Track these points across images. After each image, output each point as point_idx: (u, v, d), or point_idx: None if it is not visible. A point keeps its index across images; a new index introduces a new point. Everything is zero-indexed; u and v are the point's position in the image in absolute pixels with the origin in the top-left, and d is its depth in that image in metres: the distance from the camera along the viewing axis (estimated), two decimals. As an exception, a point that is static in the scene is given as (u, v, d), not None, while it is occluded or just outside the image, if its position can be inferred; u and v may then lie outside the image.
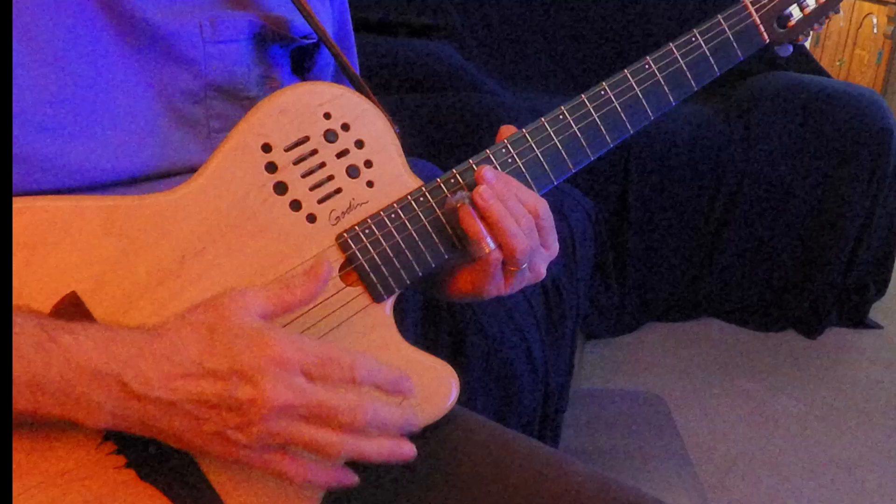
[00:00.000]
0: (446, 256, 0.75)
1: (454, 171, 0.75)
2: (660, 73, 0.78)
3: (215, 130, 0.73)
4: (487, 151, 0.76)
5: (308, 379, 0.60)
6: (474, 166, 0.74)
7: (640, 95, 0.78)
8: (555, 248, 0.76)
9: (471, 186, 0.73)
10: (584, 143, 0.77)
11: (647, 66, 0.78)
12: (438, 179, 0.74)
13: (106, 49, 0.68)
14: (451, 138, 2.17)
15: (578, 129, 0.76)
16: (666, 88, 0.79)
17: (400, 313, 1.32)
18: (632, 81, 0.78)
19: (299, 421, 0.60)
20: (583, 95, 0.77)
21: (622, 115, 0.78)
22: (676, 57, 0.78)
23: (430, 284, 0.82)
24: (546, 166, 0.77)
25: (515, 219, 0.71)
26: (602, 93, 0.77)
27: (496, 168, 0.75)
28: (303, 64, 0.83)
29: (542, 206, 0.74)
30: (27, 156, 0.64)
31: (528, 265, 0.74)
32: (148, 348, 0.59)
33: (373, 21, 2.58)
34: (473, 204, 0.72)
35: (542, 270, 0.76)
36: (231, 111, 0.73)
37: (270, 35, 0.76)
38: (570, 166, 0.78)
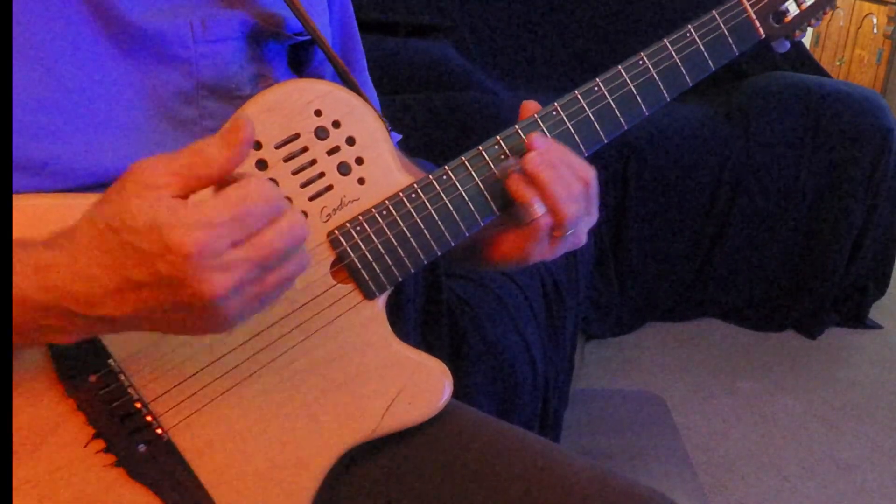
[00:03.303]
0: (438, 253, 0.74)
1: (498, 138, 0.75)
2: (654, 69, 0.77)
3: (209, 130, 0.72)
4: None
5: (235, 245, 0.54)
6: (521, 133, 0.75)
7: (635, 91, 0.77)
8: (596, 214, 0.76)
9: (516, 153, 0.74)
10: (577, 139, 0.76)
11: (640, 62, 0.77)
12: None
13: (96, 52, 0.67)
14: (451, 138, 2.16)
15: (572, 125, 0.76)
16: (660, 84, 0.78)
17: (400, 314, 1.32)
18: (625, 77, 0.77)
19: (254, 282, 0.56)
20: (576, 91, 0.76)
21: (616, 110, 0.77)
22: (671, 52, 0.78)
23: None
24: None
25: (566, 185, 0.72)
26: (595, 88, 0.76)
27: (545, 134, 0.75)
28: (301, 60, 0.83)
29: (592, 173, 0.74)
30: (19, 160, 0.64)
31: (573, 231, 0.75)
32: (72, 268, 0.54)
33: (373, 21, 2.58)
34: (523, 170, 0.72)
35: (584, 237, 0.76)
36: (224, 111, 0.73)
37: (264, 33, 0.76)
38: None
